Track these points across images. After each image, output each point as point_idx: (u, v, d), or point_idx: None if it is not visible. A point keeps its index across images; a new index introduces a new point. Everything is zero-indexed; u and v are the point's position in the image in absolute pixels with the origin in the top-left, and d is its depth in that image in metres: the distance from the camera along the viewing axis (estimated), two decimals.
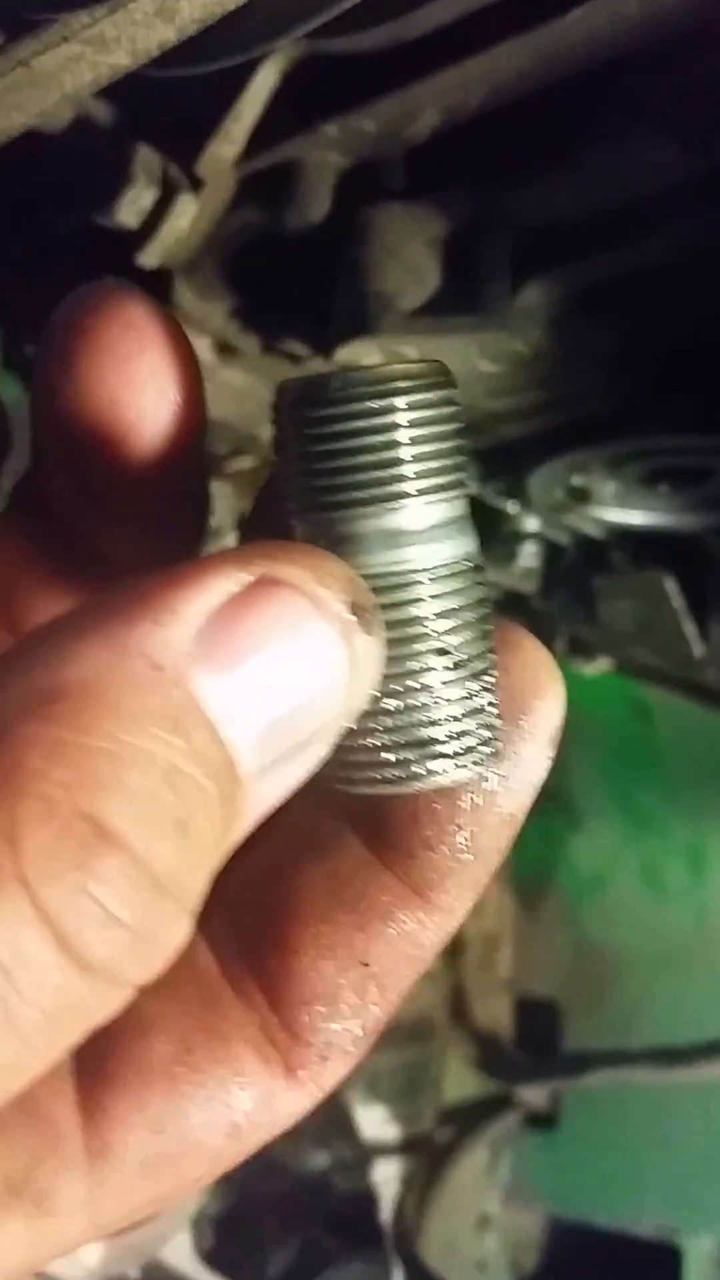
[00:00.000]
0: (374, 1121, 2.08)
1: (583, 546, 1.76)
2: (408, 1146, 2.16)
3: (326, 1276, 1.74)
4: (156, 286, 1.09)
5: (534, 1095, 2.27)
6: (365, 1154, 1.96)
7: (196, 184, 1.02)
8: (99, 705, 0.37)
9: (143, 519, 0.48)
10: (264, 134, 1.00)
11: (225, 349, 1.19)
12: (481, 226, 1.06)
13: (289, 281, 1.11)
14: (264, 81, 0.96)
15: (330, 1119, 1.90)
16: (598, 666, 2.16)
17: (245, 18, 0.84)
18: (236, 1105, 0.47)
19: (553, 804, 2.50)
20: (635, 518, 1.55)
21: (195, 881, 0.39)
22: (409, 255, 1.05)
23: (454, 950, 2.43)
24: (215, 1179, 0.49)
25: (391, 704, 0.45)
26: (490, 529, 1.66)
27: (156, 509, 0.48)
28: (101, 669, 0.37)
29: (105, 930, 0.36)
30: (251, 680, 0.39)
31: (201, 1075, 0.47)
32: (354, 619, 0.41)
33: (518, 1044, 2.39)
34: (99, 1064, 0.47)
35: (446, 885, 0.48)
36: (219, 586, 0.39)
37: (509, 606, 2.00)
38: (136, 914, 0.37)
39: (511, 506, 1.62)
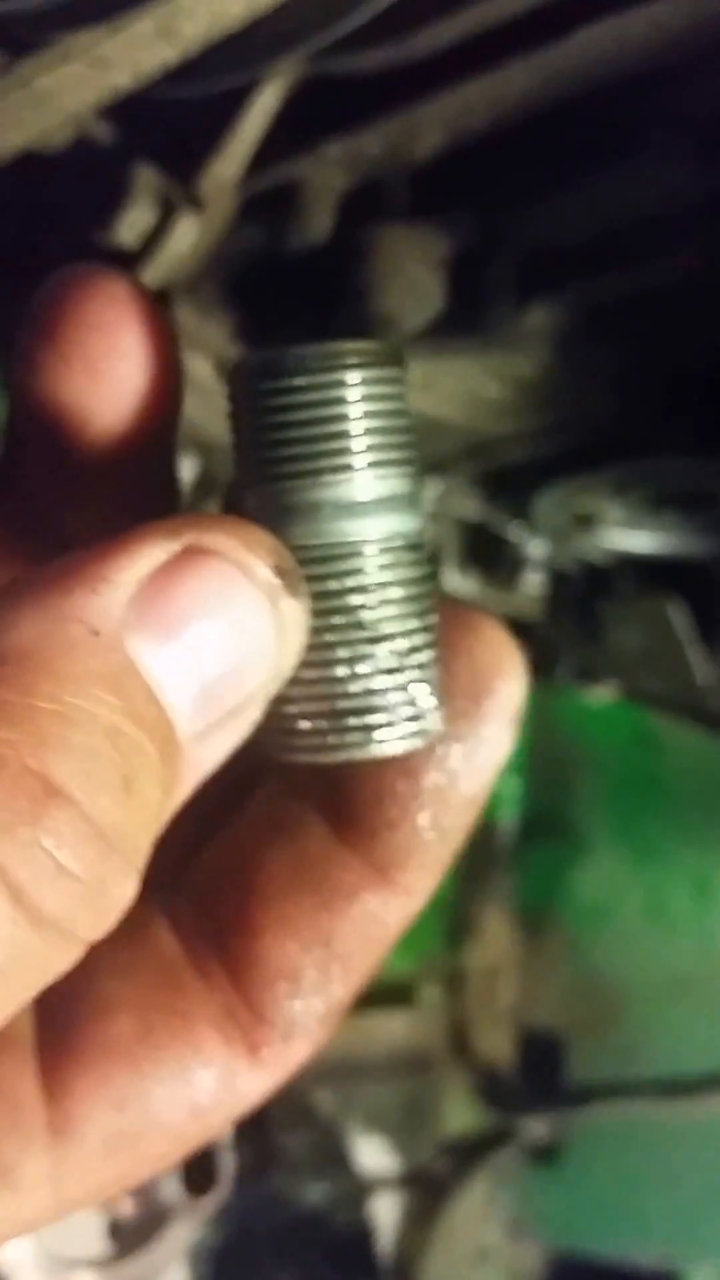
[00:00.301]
0: (373, 1153, 2.07)
1: (588, 572, 1.76)
2: (407, 1179, 2.15)
3: None
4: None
5: (536, 1127, 2.26)
6: (364, 1187, 1.96)
7: (197, 204, 1.02)
8: (41, 668, 0.38)
9: (113, 499, 0.49)
10: (266, 154, 1.00)
11: (228, 361, 1.19)
12: (486, 248, 1.06)
13: (291, 302, 1.10)
14: (265, 102, 0.96)
15: (329, 1151, 1.90)
16: (603, 693, 2.16)
17: (246, 38, 0.84)
18: (198, 1084, 0.48)
19: (556, 834, 2.49)
20: (641, 543, 1.55)
21: (141, 838, 0.40)
22: (412, 276, 1.05)
23: (455, 981, 2.42)
24: (178, 1159, 0.50)
25: (321, 673, 0.46)
26: (495, 555, 1.66)
27: (127, 490, 0.49)
28: (41, 635, 0.39)
29: (57, 883, 0.37)
30: (185, 645, 0.41)
31: (163, 1054, 0.48)
32: (279, 583, 0.42)
33: (520, 1076, 2.38)
34: (61, 1043, 0.47)
35: (409, 865, 0.49)
36: (149, 555, 0.41)
37: (513, 632, 2.00)
38: (86, 867, 0.38)
39: (516, 532, 1.62)
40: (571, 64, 0.92)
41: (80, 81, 0.85)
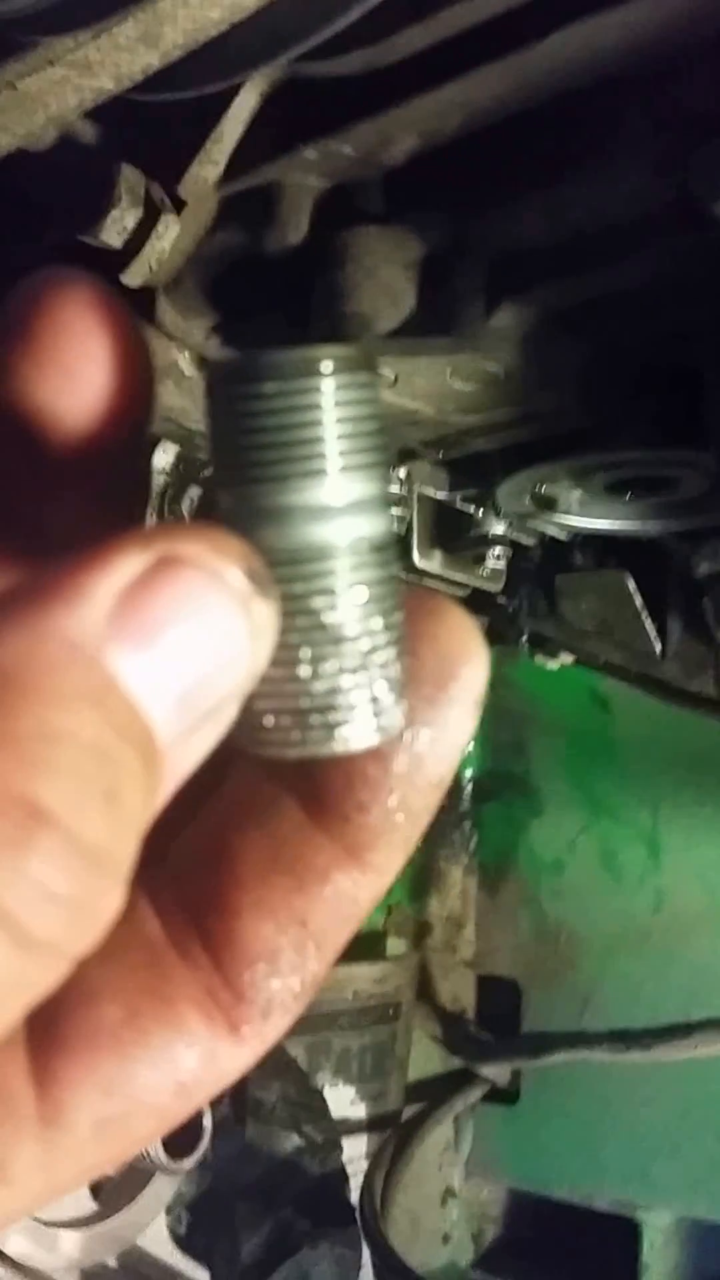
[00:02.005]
0: (342, 1102, 2.07)
1: (546, 546, 1.76)
2: (375, 1124, 2.15)
3: (299, 1259, 1.72)
4: (140, 304, 1.07)
5: (496, 1072, 2.26)
6: (335, 1135, 1.95)
7: (179, 205, 1.00)
8: (22, 689, 0.37)
9: (87, 495, 0.48)
10: (244, 156, 0.98)
11: (206, 364, 1.17)
12: (457, 250, 1.04)
13: (268, 301, 1.08)
14: (244, 104, 0.94)
15: (302, 1102, 1.89)
16: (560, 662, 2.15)
17: (226, 43, 0.82)
18: (183, 1064, 0.47)
19: (514, 790, 2.49)
20: (599, 524, 1.54)
21: (126, 850, 0.39)
22: (386, 278, 1.03)
23: (419, 931, 2.42)
24: (163, 1135, 0.50)
25: (286, 672, 0.45)
26: (458, 532, 1.65)
27: (100, 486, 0.48)
28: (20, 655, 0.38)
29: (43, 906, 0.36)
30: (162, 654, 0.40)
31: (149, 1037, 0.47)
32: (250, 588, 0.41)
33: (479, 1022, 2.38)
34: (50, 1033, 0.46)
35: (379, 846, 0.48)
36: (124, 568, 0.39)
37: (474, 603, 1.99)
38: (74, 887, 0.37)
39: (479, 513, 1.60)
40: (542, 68, 0.90)
41: (64, 84, 0.83)
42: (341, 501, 0.45)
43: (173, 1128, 0.49)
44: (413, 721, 0.47)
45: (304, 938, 0.48)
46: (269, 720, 0.45)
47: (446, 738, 0.48)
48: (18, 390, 0.47)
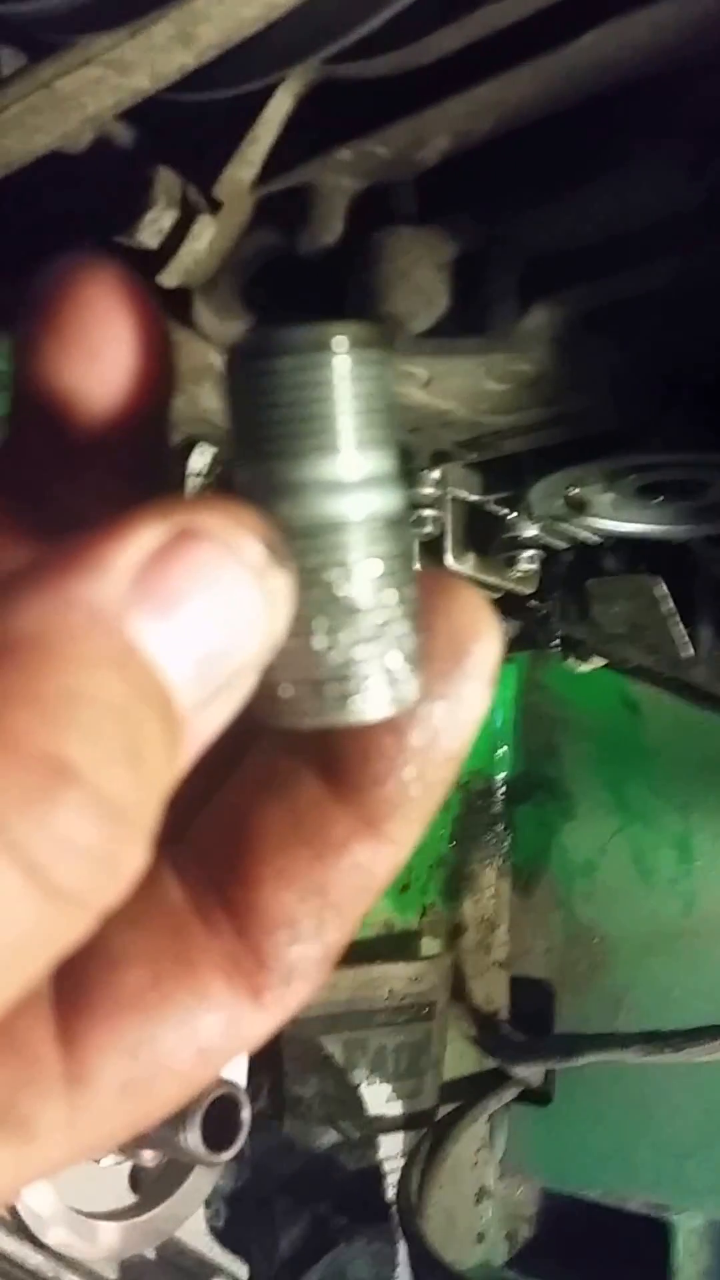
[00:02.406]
0: (378, 1100, 2.06)
1: (578, 550, 1.75)
2: (410, 1122, 2.14)
3: (335, 1254, 1.71)
4: (176, 305, 1.07)
5: (529, 1072, 2.25)
6: (371, 1132, 1.94)
7: (214, 206, 0.99)
8: (49, 653, 0.38)
9: (111, 474, 0.49)
10: (279, 158, 0.97)
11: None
12: (490, 250, 1.03)
13: (303, 302, 1.08)
14: (279, 106, 0.93)
15: (339, 1099, 1.88)
16: (591, 666, 2.14)
17: (261, 43, 0.82)
18: (206, 1029, 0.48)
19: (546, 793, 2.48)
20: (631, 527, 1.53)
21: (149, 808, 0.40)
22: (420, 279, 1.02)
23: (453, 932, 2.41)
24: (186, 1099, 0.49)
25: (302, 643, 0.45)
26: (491, 535, 1.65)
27: (124, 465, 0.49)
28: (46, 621, 0.39)
29: (72, 857, 0.38)
30: (181, 623, 0.41)
31: (172, 1002, 0.47)
32: (267, 560, 0.42)
33: (513, 1023, 2.37)
34: (75, 996, 0.47)
35: (395, 818, 0.49)
36: (145, 539, 0.40)
37: (507, 607, 1.98)
38: (100, 840, 0.38)
39: (512, 516, 1.60)
40: (575, 69, 0.89)
41: (100, 84, 0.83)
42: (355, 476, 0.45)
43: (195, 1092, 0.50)
44: (428, 695, 0.48)
45: (324, 907, 0.49)
46: (286, 691, 0.46)
47: (461, 712, 0.49)
48: (43, 371, 0.48)
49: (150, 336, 0.48)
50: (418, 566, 0.48)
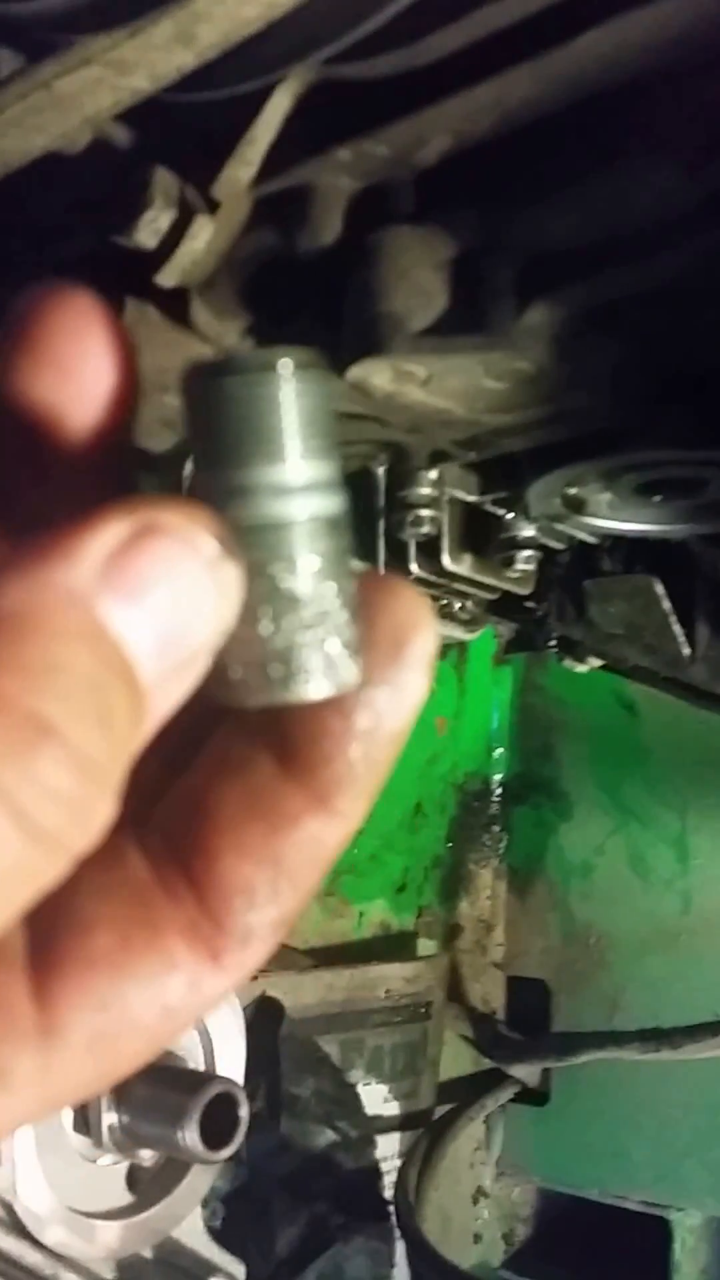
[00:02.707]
0: (375, 1100, 2.07)
1: (575, 550, 1.75)
2: (407, 1122, 2.14)
3: (332, 1253, 1.71)
4: (174, 305, 1.07)
5: (526, 1072, 2.25)
6: (368, 1131, 1.95)
7: (212, 206, 0.99)
8: (29, 627, 0.44)
9: (80, 484, 0.53)
10: (278, 157, 0.97)
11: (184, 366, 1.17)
12: (488, 249, 1.04)
13: (302, 301, 1.08)
14: (278, 105, 0.93)
15: (336, 1099, 1.88)
16: (588, 666, 2.14)
17: (261, 43, 0.82)
18: (170, 988, 0.52)
19: (543, 794, 2.48)
20: (628, 526, 1.53)
21: (117, 766, 0.46)
22: (419, 279, 1.02)
23: (449, 933, 2.41)
24: (150, 1057, 0.54)
25: (249, 630, 0.50)
26: (489, 536, 1.65)
27: (93, 475, 0.53)
28: (25, 599, 0.44)
29: (52, 803, 0.43)
30: (144, 608, 0.46)
31: (138, 962, 0.52)
32: (219, 555, 0.48)
33: (510, 1023, 2.37)
34: (49, 956, 0.51)
35: (344, 793, 0.53)
36: (113, 532, 0.46)
37: (504, 608, 1.98)
38: (75, 789, 0.43)
39: (509, 516, 1.60)
40: (574, 68, 0.89)
41: (99, 84, 0.83)
42: (299, 482, 0.50)
43: (159, 1050, 0.54)
44: (371, 682, 0.53)
45: (278, 876, 0.53)
46: (235, 672, 0.51)
47: (401, 697, 0.53)
48: (19, 388, 0.53)
49: (116, 356, 0.53)
50: (356, 564, 0.53)
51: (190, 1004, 0.53)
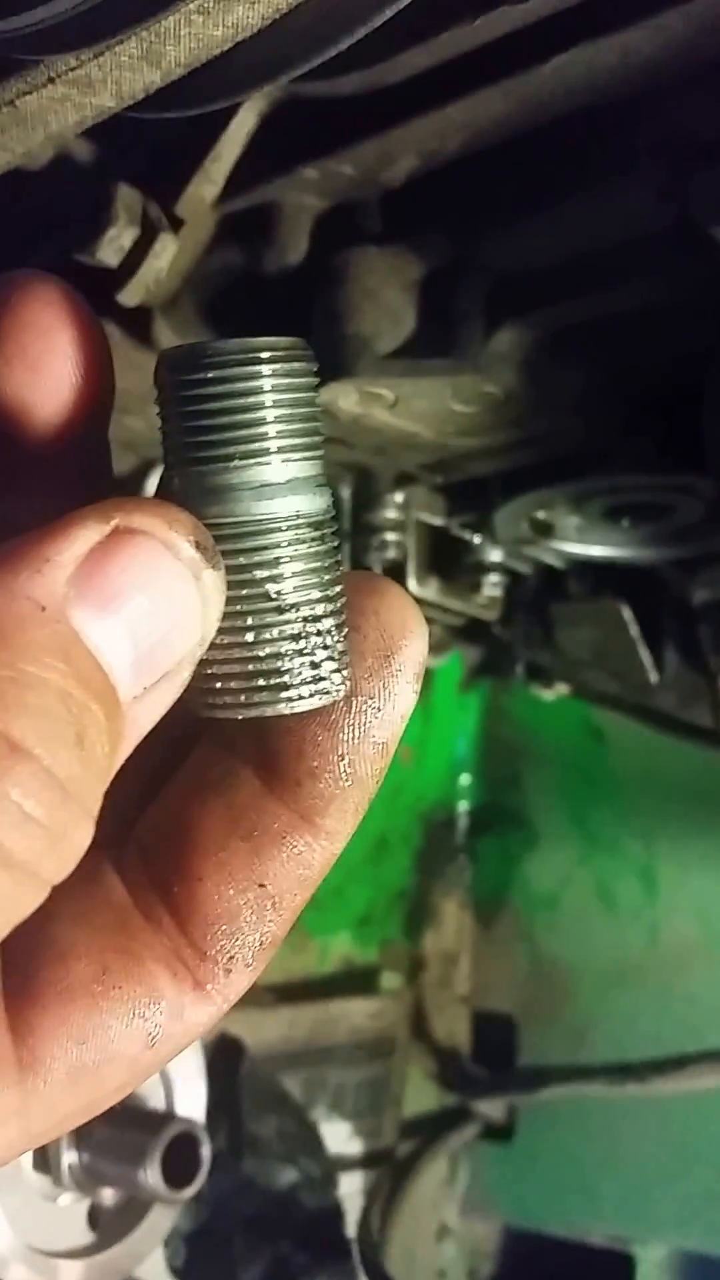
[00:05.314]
0: (338, 1137, 2.06)
1: (542, 575, 1.76)
2: (370, 1160, 2.14)
3: None
4: (136, 324, 1.07)
5: (491, 1108, 2.24)
6: (331, 1170, 1.94)
7: (176, 224, 1.00)
8: None
9: (54, 483, 0.51)
10: (243, 175, 0.98)
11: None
12: (457, 271, 1.04)
13: (267, 322, 1.08)
14: (243, 124, 0.94)
15: (298, 1137, 1.88)
16: (556, 692, 2.15)
17: (229, 62, 0.82)
18: (151, 1018, 0.51)
19: (509, 824, 2.48)
20: (596, 550, 1.54)
21: (93, 788, 0.44)
22: (386, 298, 1.03)
23: (414, 967, 2.41)
24: (134, 1088, 0.52)
25: (234, 639, 0.49)
26: (455, 560, 1.66)
27: (66, 474, 0.52)
28: None
29: (23, 829, 0.41)
30: (120, 617, 0.44)
31: (118, 992, 0.50)
32: (200, 558, 0.46)
33: (475, 1058, 2.37)
34: (26, 986, 0.50)
35: (330, 810, 0.52)
36: (85, 536, 0.44)
37: (470, 633, 1.99)
38: (49, 815, 0.42)
39: (476, 540, 1.61)
40: (543, 91, 0.90)
41: (64, 102, 0.83)
42: (281, 479, 0.49)
43: (142, 1080, 0.53)
44: (358, 692, 0.52)
45: (263, 899, 0.52)
46: (219, 684, 0.50)
47: (390, 707, 0.52)
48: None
49: (91, 352, 0.51)
50: (345, 568, 0.51)
51: (174, 1034, 0.52)
